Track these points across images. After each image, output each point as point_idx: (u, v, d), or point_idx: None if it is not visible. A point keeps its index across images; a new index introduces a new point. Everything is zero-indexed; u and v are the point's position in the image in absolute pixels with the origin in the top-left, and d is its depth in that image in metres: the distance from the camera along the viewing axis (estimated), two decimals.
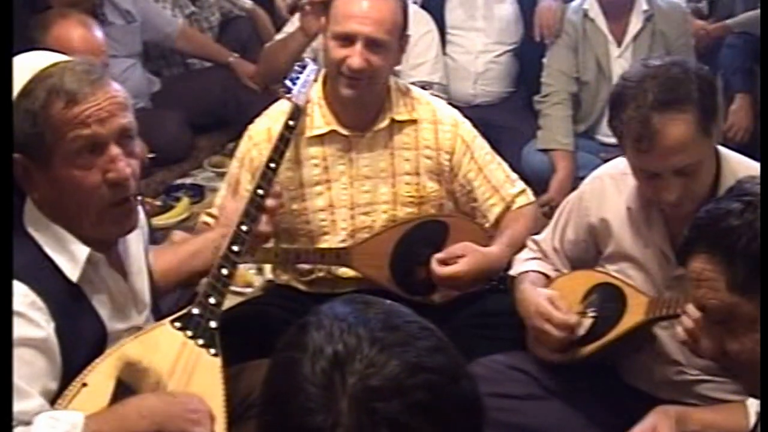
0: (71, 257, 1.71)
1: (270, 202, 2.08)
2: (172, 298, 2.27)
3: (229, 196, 2.48)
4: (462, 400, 1.08)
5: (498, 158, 2.63)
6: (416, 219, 2.52)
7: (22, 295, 1.62)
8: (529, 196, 2.64)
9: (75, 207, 1.71)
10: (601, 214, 2.24)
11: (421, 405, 1.03)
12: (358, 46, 2.36)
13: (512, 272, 2.41)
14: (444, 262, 2.43)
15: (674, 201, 1.99)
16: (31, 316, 1.62)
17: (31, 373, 1.60)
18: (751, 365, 1.44)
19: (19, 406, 1.56)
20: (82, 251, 1.72)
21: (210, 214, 2.54)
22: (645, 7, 3.65)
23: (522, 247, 2.46)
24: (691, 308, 1.83)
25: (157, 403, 1.69)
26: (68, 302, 1.69)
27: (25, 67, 1.70)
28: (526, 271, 2.36)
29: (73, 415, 1.60)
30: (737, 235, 1.38)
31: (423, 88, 3.21)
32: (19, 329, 1.59)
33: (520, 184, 2.64)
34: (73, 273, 1.71)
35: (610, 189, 2.24)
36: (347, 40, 2.38)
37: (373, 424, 1.02)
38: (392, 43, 2.42)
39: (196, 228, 2.65)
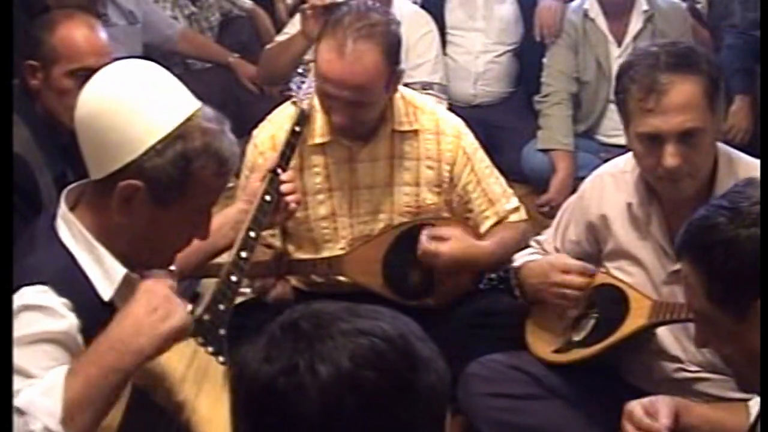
0: (107, 276, 1.69)
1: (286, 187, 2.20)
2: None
3: None
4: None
5: (496, 172, 2.62)
6: (407, 223, 2.52)
7: (54, 294, 1.61)
8: (523, 214, 2.63)
9: (152, 245, 1.72)
10: (600, 211, 2.25)
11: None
12: (338, 105, 2.31)
13: (516, 264, 2.41)
14: (433, 239, 2.43)
15: (675, 167, 1.99)
16: (63, 312, 1.61)
17: (55, 367, 1.57)
18: (732, 368, 1.51)
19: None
20: (119, 272, 1.70)
21: None
22: (645, 7, 3.66)
23: (510, 254, 2.46)
24: None
25: (122, 332, 1.56)
26: (97, 315, 1.66)
27: (174, 97, 1.70)
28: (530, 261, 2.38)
29: (53, 374, 1.54)
30: (716, 254, 1.41)
31: (423, 88, 3.21)
32: (50, 323, 1.58)
33: (515, 201, 2.63)
34: (106, 292, 1.69)
35: (610, 186, 2.25)
36: (327, 96, 2.33)
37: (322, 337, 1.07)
38: (374, 96, 2.34)
39: None
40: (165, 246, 1.76)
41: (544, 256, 2.35)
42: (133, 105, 1.65)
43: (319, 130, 2.46)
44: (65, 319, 1.61)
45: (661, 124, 1.98)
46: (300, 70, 2.49)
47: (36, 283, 1.60)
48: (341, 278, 2.54)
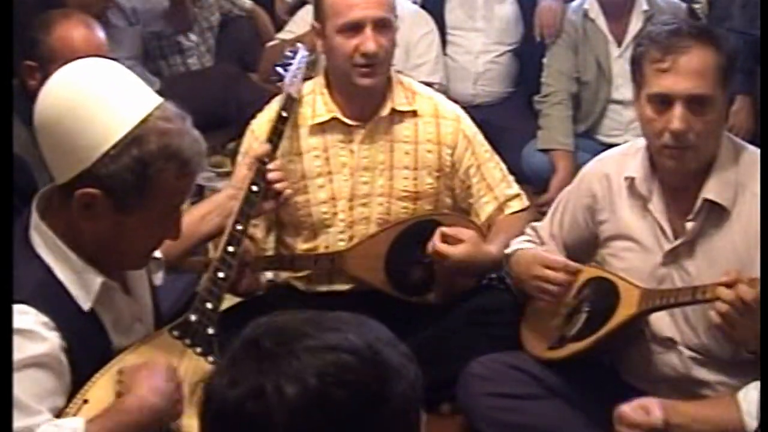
0: (84, 285, 1.67)
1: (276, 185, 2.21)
2: (170, 300, 2.26)
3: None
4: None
5: (497, 158, 2.62)
6: (410, 219, 2.52)
7: (34, 314, 1.58)
8: (524, 201, 2.63)
9: (121, 249, 1.70)
10: (601, 183, 2.26)
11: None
12: (368, 31, 2.37)
13: (507, 251, 2.41)
14: (445, 239, 2.42)
15: (681, 130, 2.01)
16: (44, 334, 1.59)
17: (41, 391, 1.58)
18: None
19: (27, 421, 1.54)
20: (96, 281, 1.68)
21: None
22: (645, 7, 3.66)
23: None
24: (723, 291, 1.88)
25: (153, 399, 1.65)
26: (79, 326, 1.66)
27: (129, 98, 1.65)
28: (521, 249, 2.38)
29: (74, 421, 1.58)
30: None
31: None
32: (31, 348, 1.57)
33: (516, 188, 2.63)
34: (85, 302, 1.67)
35: (610, 165, 2.26)
36: (355, 28, 2.38)
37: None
38: (394, 21, 2.45)
39: None
40: (134, 249, 1.72)
41: (534, 247, 2.35)
42: (85, 110, 1.61)
43: (318, 109, 2.47)
44: (47, 341, 1.59)
45: (673, 85, 2.02)
46: (288, 53, 2.49)
47: (16, 301, 1.57)
48: (342, 278, 2.54)
